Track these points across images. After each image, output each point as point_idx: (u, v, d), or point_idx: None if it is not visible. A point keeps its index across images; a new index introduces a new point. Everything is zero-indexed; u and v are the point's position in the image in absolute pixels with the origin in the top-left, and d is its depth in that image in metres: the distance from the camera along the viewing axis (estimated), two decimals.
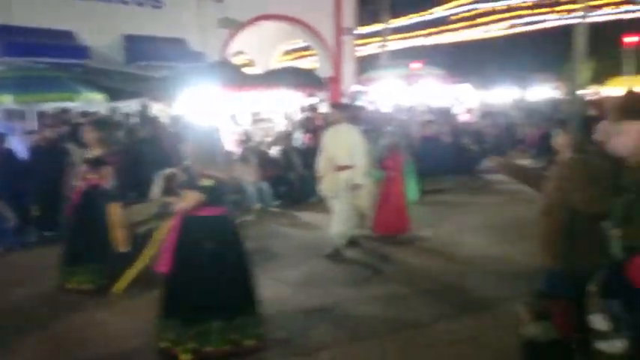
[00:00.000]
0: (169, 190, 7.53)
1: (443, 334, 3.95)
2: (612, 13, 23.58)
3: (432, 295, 4.74)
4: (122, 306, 4.67)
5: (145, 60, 11.95)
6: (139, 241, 4.92)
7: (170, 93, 9.93)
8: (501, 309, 4.27)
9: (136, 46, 12.23)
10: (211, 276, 3.52)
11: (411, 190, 6.81)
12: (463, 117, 14.01)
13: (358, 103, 15.31)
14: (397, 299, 4.67)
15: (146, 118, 9.64)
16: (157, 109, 11.28)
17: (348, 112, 6.52)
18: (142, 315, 4.11)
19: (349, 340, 3.93)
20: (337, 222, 6.06)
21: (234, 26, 14.72)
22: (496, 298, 4.54)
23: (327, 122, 6.58)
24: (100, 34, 12.15)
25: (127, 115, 9.74)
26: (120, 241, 5.02)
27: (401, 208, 6.57)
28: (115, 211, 5.07)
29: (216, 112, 10.47)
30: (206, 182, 3.55)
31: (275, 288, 5.05)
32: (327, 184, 6.09)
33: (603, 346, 3.46)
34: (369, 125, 9.80)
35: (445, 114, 12.59)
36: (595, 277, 3.20)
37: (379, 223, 6.56)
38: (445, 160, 10.17)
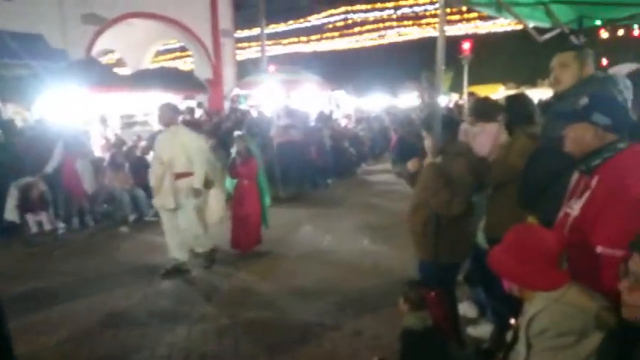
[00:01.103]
0: (26, 201, 6.66)
1: (329, 332, 4.00)
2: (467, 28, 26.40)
3: (312, 298, 4.75)
4: None
5: None
6: None
7: (28, 94, 8.90)
8: (382, 304, 4.44)
9: None
10: None
11: (264, 197, 6.42)
12: (342, 122, 14.57)
13: (241, 106, 15.17)
14: (274, 306, 4.63)
15: None
16: (11, 111, 10.05)
17: (180, 113, 5.85)
18: None
19: (220, 351, 3.82)
20: (190, 237, 5.55)
21: (101, 23, 13.66)
22: (377, 295, 4.73)
23: (161, 124, 5.69)
24: None
25: None
26: None
27: (256, 219, 6.17)
28: None
29: (83, 115, 9.63)
30: None
31: (151, 302, 4.79)
32: (165, 195, 5.37)
33: (472, 331, 3.81)
34: (252, 129, 9.77)
35: (325, 119, 12.95)
36: (462, 267, 3.50)
37: (236, 237, 6.10)
38: (304, 165, 10.15)
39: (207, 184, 5.62)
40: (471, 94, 5.04)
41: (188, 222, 5.51)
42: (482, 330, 3.75)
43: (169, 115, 5.50)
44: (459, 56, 14.53)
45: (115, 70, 15.07)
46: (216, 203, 6.01)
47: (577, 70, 2.77)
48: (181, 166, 5.36)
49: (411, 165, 3.47)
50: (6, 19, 11.17)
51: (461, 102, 15.08)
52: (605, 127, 2.05)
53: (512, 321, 2.25)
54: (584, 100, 2.08)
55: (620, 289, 1.56)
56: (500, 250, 2.04)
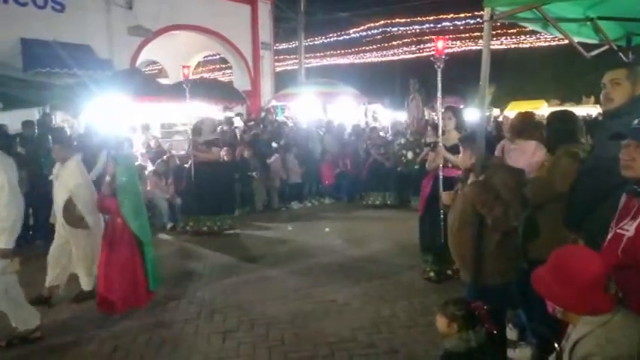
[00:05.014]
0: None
1: (363, 350, 3.94)
2: (512, 42, 25.94)
3: (345, 313, 4.72)
4: None
5: (45, 66, 11.08)
6: None
7: (75, 102, 9.27)
8: (418, 322, 4.40)
9: (35, 52, 11.32)
10: None
11: (145, 244, 4.73)
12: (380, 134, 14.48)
13: (278, 118, 15.37)
14: (306, 319, 4.58)
15: (47, 128, 8.90)
16: (60, 119, 10.50)
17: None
18: None
19: None
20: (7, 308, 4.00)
21: (146, 35, 14.14)
22: (413, 313, 4.66)
23: None
24: None
25: (27, 124, 8.92)
26: None
27: (138, 264, 4.63)
28: None
29: (127, 123, 9.97)
30: None
31: (184, 306, 4.88)
32: None
33: (512, 354, 3.68)
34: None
35: (360, 132, 12.94)
36: (508, 288, 3.39)
37: (104, 292, 4.51)
38: (225, 192, 8.10)
39: (73, 221, 4.68)
40: (448, 107, 4.50)
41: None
42: (523, 353, 3.62)
43: None
44: (501, 70, 14.00)
45: (158, 80, 15.56)
46: (78, 251, 4.94)
47: (629, 88, 2.68)
48: None
49: (446, 199, 3.49)
50: (57, 30, 11.71)
51: (500, 119, 14.67)
52: None
53: (556, 345, 2.16)
54: None
55: None
56: (544, 272, 1.98)
